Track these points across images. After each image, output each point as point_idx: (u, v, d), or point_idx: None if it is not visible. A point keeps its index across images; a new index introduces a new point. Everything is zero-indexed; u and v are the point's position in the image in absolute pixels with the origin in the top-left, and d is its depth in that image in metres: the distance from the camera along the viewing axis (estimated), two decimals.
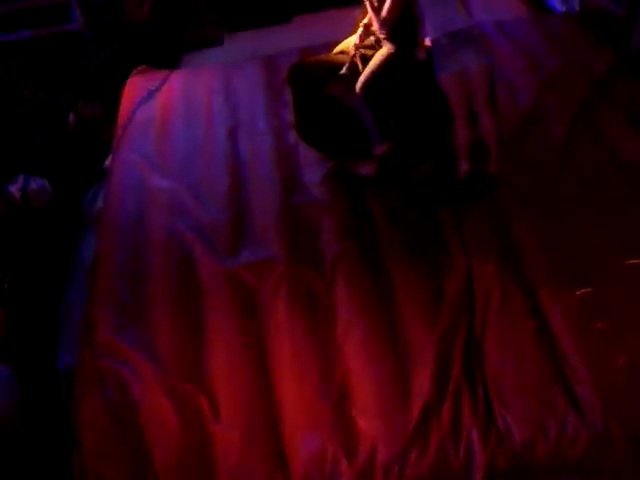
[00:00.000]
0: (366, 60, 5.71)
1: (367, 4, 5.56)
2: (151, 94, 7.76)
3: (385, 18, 5.42)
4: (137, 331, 5.10)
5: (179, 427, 4.51)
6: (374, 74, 5.63)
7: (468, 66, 5.22)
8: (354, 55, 5.76)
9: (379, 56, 5.63)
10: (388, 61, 5.58)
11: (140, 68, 8.19)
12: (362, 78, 5.66)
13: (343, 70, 5.78)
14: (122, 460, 4.44)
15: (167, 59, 8.58)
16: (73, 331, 5.33)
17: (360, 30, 5.87)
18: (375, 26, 5.62)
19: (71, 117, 7.68)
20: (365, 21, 5.84)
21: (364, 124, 5.81)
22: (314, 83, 5.89)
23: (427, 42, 5.45)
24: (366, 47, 5.77)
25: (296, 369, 4.74)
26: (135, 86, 7.93)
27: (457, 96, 5.36)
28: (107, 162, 6.98)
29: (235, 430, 4.47)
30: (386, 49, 5.58)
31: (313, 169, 6.28)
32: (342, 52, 5.96)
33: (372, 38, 5.77)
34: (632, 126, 6.40)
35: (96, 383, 4.79)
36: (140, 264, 5.66)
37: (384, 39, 5.55)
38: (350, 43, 5.92)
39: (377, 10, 5.47)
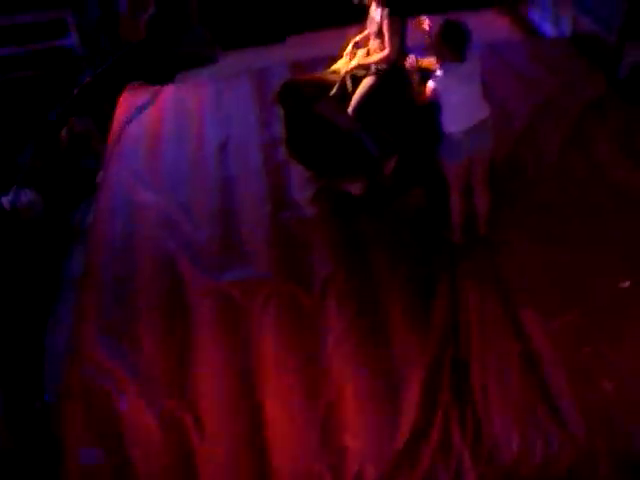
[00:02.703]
0: (356, 80, 5.74)
1: (371, 31, 5.65)
2: (142, 110, 7.80)
3: (391, 52, 5.52)
4: (123, 347, 5.07)
5: (163, 444, 4.46)
6: (366, 95, 5.66)
7: (473, 152, 5.28)
8: (344, 75, 5.78)
9: (370, 77, 5.67)
10: (379, 82, 5.63)
11: (133, 85, 8.22)
12: (354, 100, 5.69)
13: (333, 90, 5.80)
14: (107, 477, 4.38)
15: (161, 76, 8.60)
16: (60, 347, 5.27)
17: (350, 48, 5.92)
18: (375, 49, 5.70)
19: (64, 132, 7.67)
20: (357, 39, 5.90)
21: (363, 144, 5.82)
22: (304, 101, 5.91)
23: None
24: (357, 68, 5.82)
25: (283, 387, 4.71)
26: (127, 102, 7.97)
27: (458, 174, 5.40)
28: (99, 178, 6.96)
29: (220, 447, 4.42)
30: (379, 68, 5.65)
31: (303, 186, 6.30)
32: (334, 72, 5.99)
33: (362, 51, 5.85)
34: (622, 149, 6.48)
35: (81, 400, 4.75)
36: (128, 280, 5.64)
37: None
38: (342, 63, 5.95)
39: (379, 37, 5.57)
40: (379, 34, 5.58)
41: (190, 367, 4.88)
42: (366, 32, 5.83)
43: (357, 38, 5.91)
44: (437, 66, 5.14)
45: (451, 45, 4.99)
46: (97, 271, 5.76)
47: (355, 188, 6.06)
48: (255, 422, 4.51)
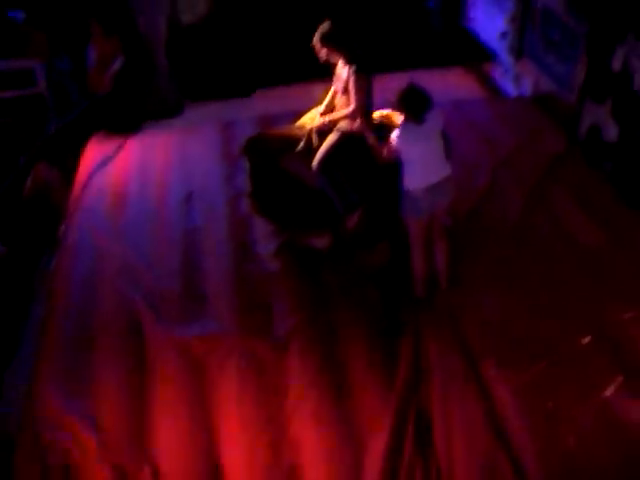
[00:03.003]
0: (322, 136, 5.80)
1: (338, 88, 5.74)
2: (107, 160, 7.80)
3: (356, 108, 5.61)
4: (82, 402, 4.97)
5: None
6: (330, 151, 5.72)
7: (432, 209, 5.38)
8: (310, 130, 5.85)
9: (336, 133, 5.75)
10: (342, 139, 5.70)
11: (99, 134, 8.23)
12: (318, 155, 5.75)
13: (300, 145, 5.86)
14: None
15: (127, 127, 8.63)
16: (18, 399, 5.16)
17: (324, 106, 6.01)
18: (341, 106, 5.78)
19: (28, 181, 7.62)
20: (326, 100, 6.00)
21: (328, 199, 5.86)
22: (270, 155, 5.96)
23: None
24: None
25: (245, 442, 4.63)
26: (93, 152, 7.98)
27: (419, 230, 5.47)
28: (61, 229, 6.91)
29: None
30: (344, 124, 5.72)
31: (266, 240, 6.30)
32: (300, 127, 6.05)
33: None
34: (581, 205, 6.62)
35: (37, 456, 4.63)
36: (88, 332, 5.56)
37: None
38: (308, 118, 6.03)
39: (345, 93, 5.67)
40: (345, 91, 5.68)
41: (150, 422, 4.80)
42: (333, 90, 5.92)
43: (327, 99, 6.01)
44: (400, 122, 5.24)
45: (410, 109, 5.15)
46: (57, 324, 5.68)
47: (319, 243, 6.09)
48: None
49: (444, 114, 5.53)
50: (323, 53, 5.67)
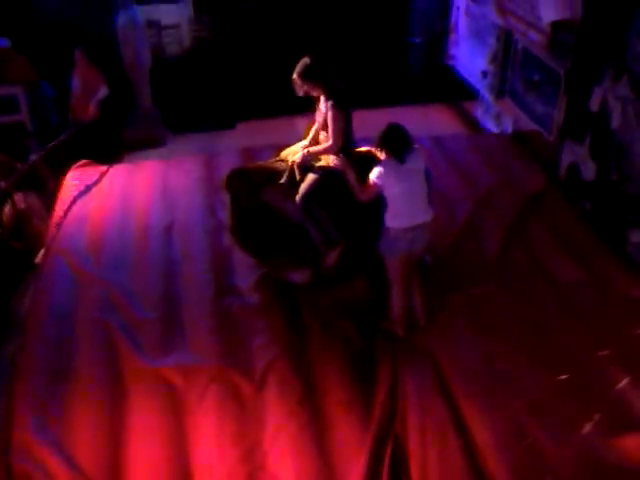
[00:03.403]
0: (304, 170, 5.83)
1: (320, 123, 5.80)
2: (88, 189, 7.78)
3: (334, 144, 5.67)
4: (55, 432, 4.90)
5: None
6: (311, 188, 5.75)
7: (413, 247, 5.41)
8: (292, 164, 5.88)
9: (317, 168, 5.78)
10: (326, 174, 5.73)
11: (80, 163, 8.22)
12: (301, 190, 5.77)
13: (283, 179, 5.88)
14: None
15: (109, 156, 8.63)
16: None
17: (308, 140, 6.05)
18: (322, 140, 5.83)
19: (7, 209, 7.58)
20: (310, 136, 6.05)
21: (308, 234, 5.87)
22: (251, 188, 5.97)
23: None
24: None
25: (222, 473, 4.59)
26: (73, 180, 7.95)
27: (398, 269, 5.48)
28: (39, 257, 6.87)
29: None
30: (325, 159, 5.76)
31: (246, 273, 6.30)
32: (282, 160, 6.08)
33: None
34: (560, 243, 6.68)
35: None
36: (64, 361, 5.50)
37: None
38: (291, 152, 6.06)
39: (325, 128, 5.72)
40: (326, 126, 5.72)
41: (125, 453, 4.73)
42: (316, 124, 5.97)
43: (310, 133, 6.06)
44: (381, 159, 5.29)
45: (391, 149, 5.19)
46: (32, 352, 5.61)
47: (298, 277, 6.09)
48: None
49: (425, 152, 5.60)
50: (302, 87, 5.72)
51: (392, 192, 5.22)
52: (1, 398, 5.30)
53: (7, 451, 4.78)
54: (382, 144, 5.20)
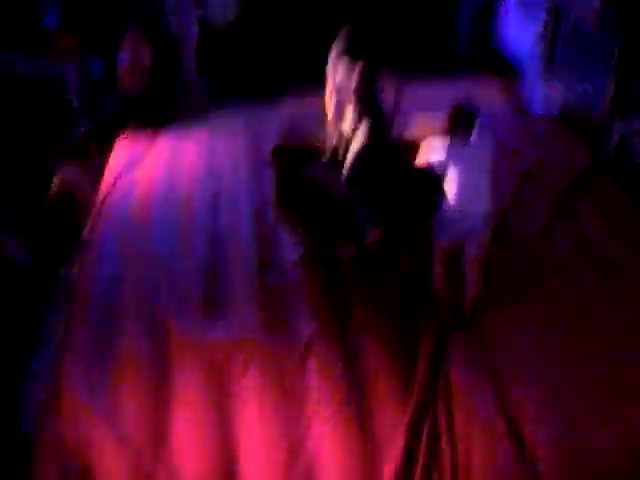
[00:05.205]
0: (348, 144, 5.82)
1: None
2: (134, 162, 7.85)
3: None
4: (102, 399, 5.02)
5: None
6: (356, 161, 5.73)
7: (465, 236, 5.33)
8: (338, 140, 5.87)
9: (358, 143, 5.75)
10: (367, 146, 5.70)
11: (126, 135, 8.30)
12: (346, 167, 5.75)
13: (326, 155, 5.88)
14: None
15: (156, 127, 8.68)
16: (37, 397, 5.22)
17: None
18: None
19: (55, 181, 7.68)
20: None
21: (354, 211, 5.87)
22: (296, 164, 5.99)
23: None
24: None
25: (262, 446, 4.68)
26: (120, 152, 8.05)
27: (444, 249, 5.46)
28: (86, 229, 6.97)
29: None
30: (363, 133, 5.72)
31: (290, 249, 6.30)
32: (326, 135, 6.08)
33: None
34: (606, 225, 6.58)
35: (55, 451, 4.70)
36: (111, 331, 5.62)
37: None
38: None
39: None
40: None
41: (167, 423, 4.85)
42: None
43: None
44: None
45: (457, 130, 5.09)
46: (80, 322, 5.74)
47: (342, 252, 6.11)
48: None
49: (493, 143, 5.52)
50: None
51: (452, 173, 5.13)
52: (50, 366, 5.42)
53: (55, 418, 4.91)
54: (451, 123, 5.10)
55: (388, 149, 5.70)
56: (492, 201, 5.31)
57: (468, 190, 5.16)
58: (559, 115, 8.58)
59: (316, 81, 8.73)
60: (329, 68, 5.74)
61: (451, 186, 5.16)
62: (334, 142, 5.87)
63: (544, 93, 8.98)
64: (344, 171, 5.75)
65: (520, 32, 9.54)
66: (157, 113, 8.99)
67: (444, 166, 5.14)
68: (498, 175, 7.02)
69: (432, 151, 5.17)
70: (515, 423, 4.75)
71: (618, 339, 5.32)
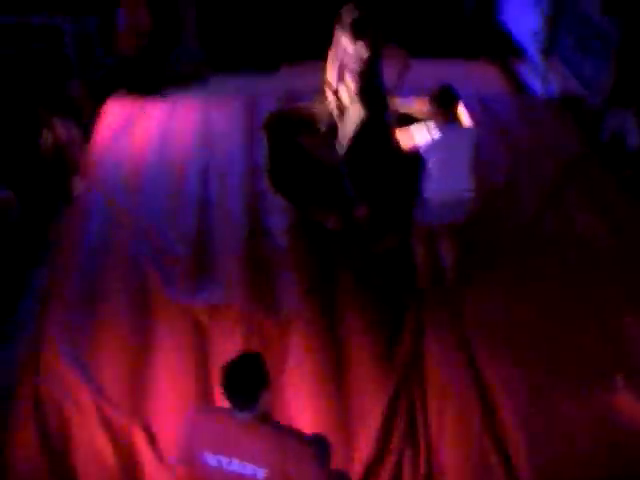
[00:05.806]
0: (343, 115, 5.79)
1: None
2: (127, 122, 7.81)
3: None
4: (83, 358, 5.01)
5: (114, 463, 4.39)
6: (354, 139, 5.70)
7: (444, 221, 5.35)
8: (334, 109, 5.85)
9: (356, 118, 5.71)
10: (366, 124, 5.68)
11: (119, 93, 8.24)
12: (345, 141, 5.71)
13: (322, 127, 5.86)
14: None
15: (149, 90, 8.63)
16: (18, 350, 5.20)
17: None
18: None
19: (49, 138, 7.61)
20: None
21: (342, 182, 5.86)
22: (290, 132, 5.97)
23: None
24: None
25: None
26: (111, 112, 8.00)
27: (423, 229, 5.48)
28: (76, 186, 6.92)
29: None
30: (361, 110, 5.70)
31: (279, 216, 6.31)
32: (322, 104, 6.05)
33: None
34: (595, 209, 6.59)
35: (33, 409, 4.68)
36: (95, 289, 5.62)
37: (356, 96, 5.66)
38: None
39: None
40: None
41: (149, 386, 4.85)
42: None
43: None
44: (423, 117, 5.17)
45: (442, 111, 5.04)
46: (65, 279, 5.73)
47: (330, 223, 6.12)
48: None
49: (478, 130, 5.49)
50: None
51: (432, 157, 5.10)
52: (32, 322, 5.40)
53: (36, 373, 4.91)
54: (435, 105, 5.05)
55: (383, 128, 5.66)
56: (472, 182, 5.28)
57: (448, 171, 5.15)
58: (558, 98, 8.56)
59: (315, 52, 8.71)
60: (335, 35, 5.68)
61: (433, 170, 5.15)
62: (331, 111, 5.82)
63: (545, 75, 8.96)
64: (341, 143, 5.73)
65: (523, 11, 9.50)
66: (151, 78, 8.94)
67: (427, 147, 5.10)
68: (491, 155, 7.14)
69: (417, 133, 5.13)
70: (486, 394, 4.80)
71: (596, 314, 5.40)
